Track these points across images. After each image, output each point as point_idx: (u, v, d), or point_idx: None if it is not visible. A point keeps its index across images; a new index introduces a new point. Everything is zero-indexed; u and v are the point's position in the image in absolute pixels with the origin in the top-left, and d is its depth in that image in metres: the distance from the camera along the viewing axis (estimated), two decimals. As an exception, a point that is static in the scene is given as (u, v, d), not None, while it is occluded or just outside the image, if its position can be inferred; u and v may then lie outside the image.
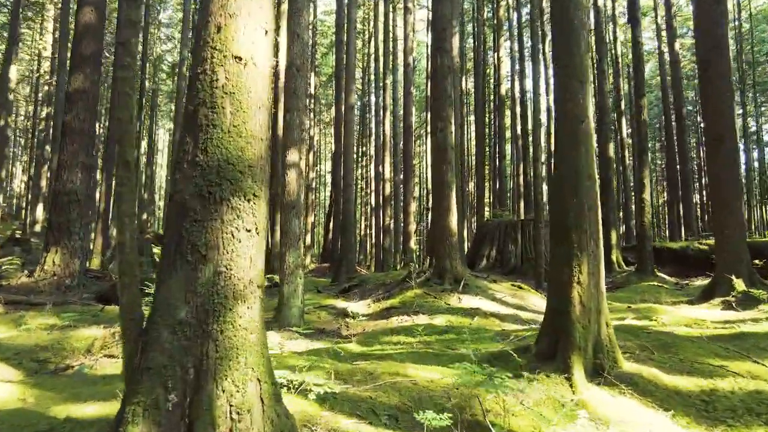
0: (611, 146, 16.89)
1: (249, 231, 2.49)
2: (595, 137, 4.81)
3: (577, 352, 4.31)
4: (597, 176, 4.78)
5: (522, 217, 17.63)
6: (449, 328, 7.33)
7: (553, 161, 5.41)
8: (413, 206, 24.46)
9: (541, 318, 9.13)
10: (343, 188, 15.07)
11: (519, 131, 27.14)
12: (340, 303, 10.08)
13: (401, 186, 23.68)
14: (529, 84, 25.46)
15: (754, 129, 32.96)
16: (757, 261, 9.91)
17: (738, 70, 25.91)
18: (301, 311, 7.86)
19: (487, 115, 27.75)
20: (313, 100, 33.65)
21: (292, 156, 7.76)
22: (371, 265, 30.96)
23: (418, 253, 31.38)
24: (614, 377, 4.29)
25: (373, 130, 35.60)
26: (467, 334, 6.91)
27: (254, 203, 2.52)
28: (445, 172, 9.54)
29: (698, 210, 19.10)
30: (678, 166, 20.06)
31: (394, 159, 23.75)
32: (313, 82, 32.15)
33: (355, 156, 44.69)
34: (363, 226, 43.54)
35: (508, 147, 34.35)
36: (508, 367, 4.69)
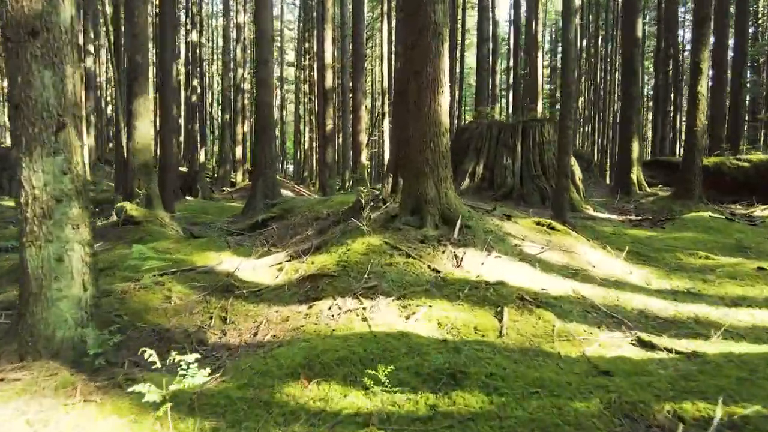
0: (639, 21, 12.28)
1: None
2: None
3: None
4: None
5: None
6: (451, 354, 2.88)
7: None
8: (365, 110, 19.47)
9: (634, 301, 4.70)
10: (258, 67, 9.73)
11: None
12: (226, 260, 5.40)
13: (350, 85, 18.35)
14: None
15: None
16: None
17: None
18: (86, 308, 3.18)
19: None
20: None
21: None
22: (317, 183, 26.07)
23: (369, 170, 26.63)
24: None
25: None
26: (512, 392, 2.52)
27: None
28: (430, 13, 4.69)
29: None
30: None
31: (342, 46, 18.16)
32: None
33: (295, 51, 38.20)
34: (307, 138, 38.05)
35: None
36: None
